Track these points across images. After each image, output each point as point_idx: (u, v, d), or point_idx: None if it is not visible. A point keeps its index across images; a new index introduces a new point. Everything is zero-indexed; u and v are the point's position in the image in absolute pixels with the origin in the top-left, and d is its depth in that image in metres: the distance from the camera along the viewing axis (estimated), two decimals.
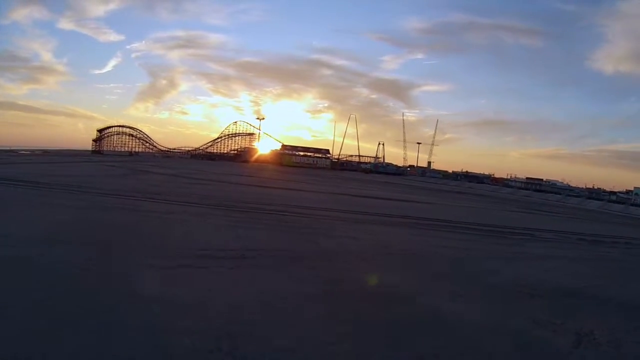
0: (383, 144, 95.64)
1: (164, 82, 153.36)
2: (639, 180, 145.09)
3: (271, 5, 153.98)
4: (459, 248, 10.43)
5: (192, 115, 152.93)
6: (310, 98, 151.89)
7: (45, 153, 58.98)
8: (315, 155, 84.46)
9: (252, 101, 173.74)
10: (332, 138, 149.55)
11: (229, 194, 18.07)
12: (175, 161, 59.52)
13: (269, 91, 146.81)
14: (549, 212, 29.53)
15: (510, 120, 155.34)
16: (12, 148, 70.01)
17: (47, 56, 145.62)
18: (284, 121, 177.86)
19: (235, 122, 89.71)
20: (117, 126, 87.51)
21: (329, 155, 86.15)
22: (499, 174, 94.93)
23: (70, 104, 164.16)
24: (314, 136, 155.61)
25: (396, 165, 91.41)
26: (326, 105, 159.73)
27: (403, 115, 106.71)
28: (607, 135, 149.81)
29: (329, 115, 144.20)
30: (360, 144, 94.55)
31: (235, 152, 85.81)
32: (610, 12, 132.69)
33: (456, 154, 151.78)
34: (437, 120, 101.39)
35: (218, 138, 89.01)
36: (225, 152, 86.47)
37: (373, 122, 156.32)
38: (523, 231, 15.23)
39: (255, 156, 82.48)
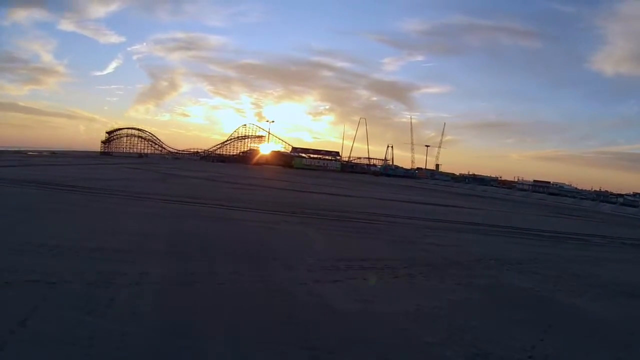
0: (392, 147, 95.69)
1: (164, 83, 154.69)
2: (638, 181, 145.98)
3: (271, 6, 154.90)
4: (541, 253, 10.48)
5: (193, 117, 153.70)
6: (311, 100, 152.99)
7: (54, 154, 58.53)
8: (325, 157, 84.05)
9: (253, 103, 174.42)
10: (333, 140, 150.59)
11: (285, 200, 17.81)
12: (190, 163, 58.96)
13: (270, 93, 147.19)
14: (577, 216, 29.15)
15: (510, 122, 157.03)
16: (20, 149, 69.68)
17: (47, 57, 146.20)
18: (285, 123, 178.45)
19: (245, 125, 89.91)
20: (126, 128, 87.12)
21: (338, 157, 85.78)
22: (499, 175, 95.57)
23: (71, 105, 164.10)
24: (315, 138, 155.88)
25: (405, 168, 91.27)
26: (327, 107, 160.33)
27: (410, 119, 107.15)
28: (607, 136, 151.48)
29: (330, 117, 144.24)
30: (363, 146, 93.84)
31: (244, 154, 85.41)
32: (609, 13, 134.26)
33: (457, 156, 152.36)
34: (444, 123, 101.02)
35: (227, 140, 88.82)
36: (234, 154, 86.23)
37: (374, 124, 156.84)
38: (575, 236, 15.25)
39: (265, 158, 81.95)
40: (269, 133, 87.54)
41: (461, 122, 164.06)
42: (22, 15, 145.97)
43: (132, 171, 29.73)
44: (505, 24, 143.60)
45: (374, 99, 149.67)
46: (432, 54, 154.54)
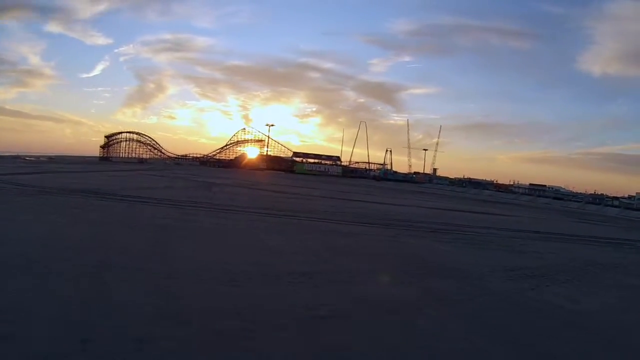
0: (391, 151, 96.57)
1: (152, 85, 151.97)
2: (627, 182, 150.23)
3: (259, 8, 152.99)
4: (626, 259, 11.46)
5: (180, 119, 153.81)
6: (298, 102, 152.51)
7: (52, 160, 57.53)
8: (326, 162, 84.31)
9: (240, 105, 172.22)
10: (319, 143, 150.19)
11: (349, 209, 17.85)
12: (197, 169, 58.10)
13: (257, 95, 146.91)
14: (601, 221, 30.01)
15: (499, 123, 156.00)
16: (18, 154, 67.67)
17: (35, 59, 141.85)
18: (272, 126, 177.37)
19: (244, 129, 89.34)
20: (126, 132, 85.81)
21: (339, 162, 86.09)
22: (495, 179, 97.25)
23: (58, 108, 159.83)
24: (302, 141, 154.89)
25: (403, 172, 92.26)
26: (314, 109, 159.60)
27: (407, 122, 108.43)
28: (596, 137, 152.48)
29: (317, 119, 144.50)
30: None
31: (244, 159, 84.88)
32: (598, 14, 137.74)
33: (446, 158, 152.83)
34: (440, 126, 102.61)
35: (226, 145, 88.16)
36: (234, 159, 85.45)
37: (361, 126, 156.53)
38: (625, 242, 16.18)
39: (266, 164, 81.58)
40: (269, 137, 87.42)
41: (450, 124, 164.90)
42: (8, 17, 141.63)
43: (160, 179, 29.07)
44: (495, 25, 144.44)
45: (362, 100, 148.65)
46: (421, 54, 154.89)
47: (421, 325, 4.57)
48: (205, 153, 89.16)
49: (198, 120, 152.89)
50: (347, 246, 9.10)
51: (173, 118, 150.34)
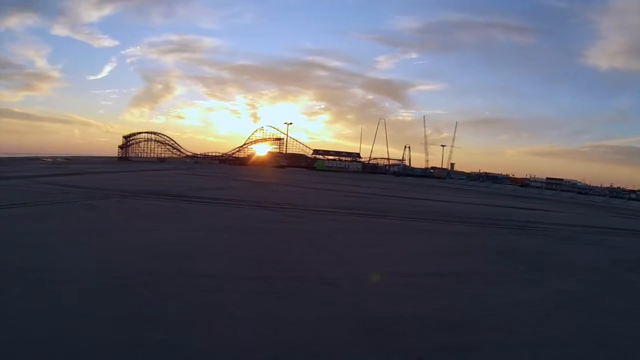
0: (409, 147, 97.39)
1: (159, 86, 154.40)
2: (636, 175, 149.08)
3: (263, 7, 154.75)
4: None
5: (188, 119, 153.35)
6: (306, 100, 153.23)
7: (70, 160, 57.07)
8: (346, 159, 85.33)
9: (248, 104, 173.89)
10: (328, 140, 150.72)
11: (414, 207, 18.64)
12: (220, 168, 59.07)
13: (265, 94, 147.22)
14: (636, 215, 30.69)
15: (505, 118, 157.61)
16: (37, 155, 68.99)
17: (41, 63, 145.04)
18: (281, 124, 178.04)
19: (262, 128, 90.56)
20: (145, 132, 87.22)
21: (359, 159, 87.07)
22: (499, 171, 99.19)
23: (66, 110, 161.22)
24: (310, 138, 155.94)
25: (421, 168, 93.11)
26: (322, 106, 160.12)
27: (424, 118, 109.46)
28: (603, 130, 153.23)
29: (325, 116, 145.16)
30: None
31: (264, 157, 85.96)
32: (603, 7, 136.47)
33: (455, 153, 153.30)
34: (456, 122, 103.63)
35: (245, 144, 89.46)
36: (253, 157, 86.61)
37: (370, 122, 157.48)
38: None
39: (287, 161, 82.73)
40: (287, 135, 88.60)
41: (457, 119, 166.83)
42: (14, 21, 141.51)
43: (205, 179, 29.85)
44: (499, 21, 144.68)
45: (369, 97, 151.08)
46: (426, 51, 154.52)
47: None
48: (224, 152, 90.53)
49: (206, 119, 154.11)
50: (483, 245, 9.87)
51: (182, 118, 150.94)
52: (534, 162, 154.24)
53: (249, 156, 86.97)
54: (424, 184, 55.01)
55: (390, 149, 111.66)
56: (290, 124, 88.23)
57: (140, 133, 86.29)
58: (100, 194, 14.52)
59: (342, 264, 7.08)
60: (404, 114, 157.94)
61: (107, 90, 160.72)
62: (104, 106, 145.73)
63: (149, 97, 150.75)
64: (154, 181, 23.92)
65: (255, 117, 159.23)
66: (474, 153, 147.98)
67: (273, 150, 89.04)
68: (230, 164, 76.98)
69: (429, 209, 18.67)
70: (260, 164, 78.97)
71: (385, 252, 8.38)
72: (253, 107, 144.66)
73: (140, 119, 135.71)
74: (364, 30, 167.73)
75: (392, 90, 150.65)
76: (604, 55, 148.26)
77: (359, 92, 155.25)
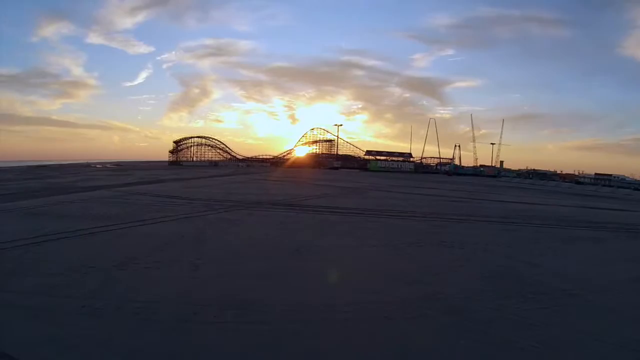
0: (459, 146, 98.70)
1: (196, 90, 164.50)
2: None
3: (297, 9, 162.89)
4: None
5: (226, 122, 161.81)
6: (343, 100, 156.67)
7: (120, 166, 58.89)
8: (397, 159, 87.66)
9: (285, 106, 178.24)
10: (365, 139, 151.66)
11: (508, 211, 20.18)
12: (278, 171, 59.83)
13: (302, 95, 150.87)
14: None
15: (544, 113, 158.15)
16: (89, 162, 74.00)
17: (77, 71, 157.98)
18: (320, 124, 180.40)
19: (313, 129, 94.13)
20: (196, 137, 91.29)
21: (411, 159, 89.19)
22: (543, 167, 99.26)
23: (104, 117, 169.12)
24: (350, 137, 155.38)
25: (471, 167, 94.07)
26: (360, 106, 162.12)
27: (471, 116, 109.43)
28: None
29: (364, 116, 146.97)
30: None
31: (316, 159, 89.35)
32: None
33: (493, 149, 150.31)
34: (503, 119, 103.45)
35: (296, 146, 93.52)
36: (305, 159, 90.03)
37: (409, 121, 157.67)
38: None
39: (340, 162, 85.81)
40: (338, 137, 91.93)
41: (495, 115, 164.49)
42: (49, 31, 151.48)
43: (282, 185, 31.30)
44: (534, 14, 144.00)
45: (407, 95, 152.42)
46: (462, 47, 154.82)
47: None
48: (264, 153, 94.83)
49: (244, 121, 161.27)
50: None
51: (220, 121, 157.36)
52: (576, 157, 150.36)
53: (302, 159, 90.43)
54: (486, 183, 55.83)
55: (434, 148, 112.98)
56: (341, 125, 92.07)
57: (191, 137, 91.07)
58: (219, 206, 14.40)
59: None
60: (442, 112, 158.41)
61: (144, 96, 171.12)
62: (142, 112, 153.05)
63: (187, 102, 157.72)
64: (247, 190, 24.44)
65: (293, 118, 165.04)
66: (516, 149, 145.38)
67: (323, 152, 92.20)
68: (285, 167, 79.96)
69: (537, 213, 19.50)
70: (314, 166, 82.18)
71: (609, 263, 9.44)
72: (290, 108, 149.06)
73: (179, 124, 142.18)
74: (400, 29, 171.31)
75: (429, 88, 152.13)
76: None
77: (396, 90, 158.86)
